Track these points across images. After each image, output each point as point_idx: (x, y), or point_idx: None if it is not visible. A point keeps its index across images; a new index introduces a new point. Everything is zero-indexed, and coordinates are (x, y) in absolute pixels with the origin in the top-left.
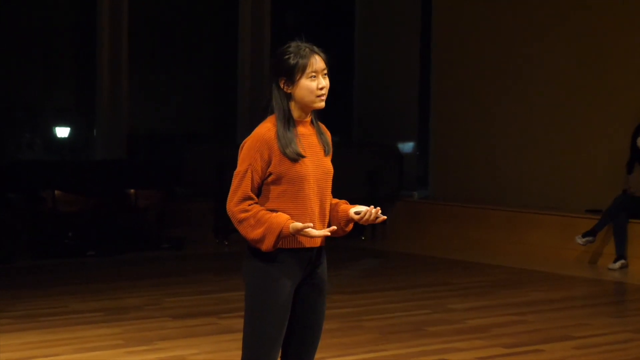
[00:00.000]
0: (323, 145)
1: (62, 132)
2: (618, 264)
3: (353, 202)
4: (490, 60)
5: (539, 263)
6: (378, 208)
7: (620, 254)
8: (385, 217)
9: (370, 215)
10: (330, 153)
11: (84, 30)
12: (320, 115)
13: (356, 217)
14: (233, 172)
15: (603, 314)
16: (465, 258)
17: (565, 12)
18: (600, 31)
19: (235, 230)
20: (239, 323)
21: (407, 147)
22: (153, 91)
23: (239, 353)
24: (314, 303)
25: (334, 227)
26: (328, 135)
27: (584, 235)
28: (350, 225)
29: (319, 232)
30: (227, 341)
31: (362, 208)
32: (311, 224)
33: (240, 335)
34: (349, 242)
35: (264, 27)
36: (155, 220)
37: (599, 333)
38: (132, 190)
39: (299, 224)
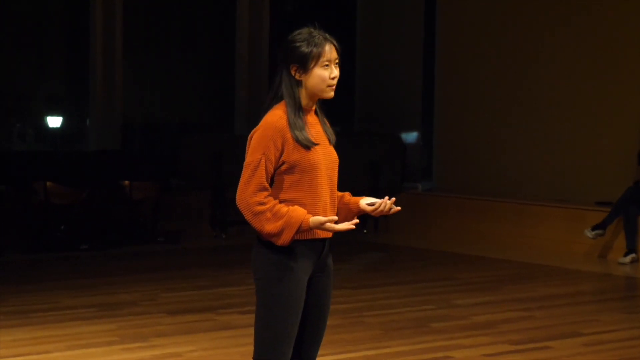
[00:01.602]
0: (327, 135)
1: (54, 121)
2: (628, 258)
3: (355, 194)
4: (496, 49)
5: (546, 257)
6: (393, 199)
7: (631, 248)
8: (400, 208)
9: (385, 206)
10: (334, 142)
11: (76, 15)
12: (322, 104)
13: (369, 208)
14: (231, 163)
15: (613, 310)
16: (470, 252)
17: (576, 3)
18: (609, 26)
19: (234, 223)
20: (238, 319)
21: (410, 137)
22: (148, 79)
23: (238, 350)
24: (323, 292)
25: (357, 221)
26: (328, 125)
27: (593, 229)
28: (356, 219)
29: (341, 226)
30: (225, 337)
31: (372, 200)
32: (335, 217)
33: (239, 332)
34: (351, 235)
35: (262, 13)
36: (150, 213)
37: (609, 329)
38: (126, 182)
39: (321, 218)
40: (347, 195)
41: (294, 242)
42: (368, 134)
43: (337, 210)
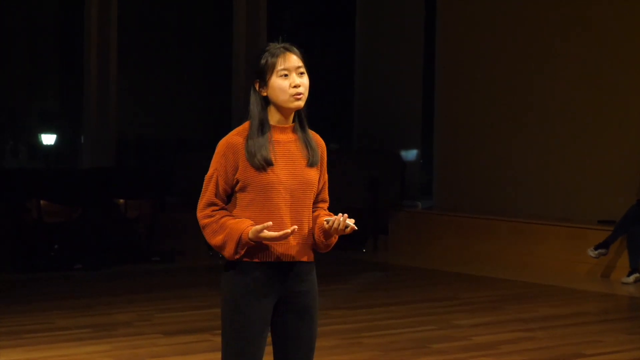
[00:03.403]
0: (307, 155)
1: (48, 138)
2: (632, 278)
3: (354, 211)
4: (497, 66)
5: (548, 277)
6: (346, 215)
7: (635, 267)
8: (356, 227)
9: (339, 224)
10: (318, 165)
11: (70, 31)
12: (320, 121)
13: (327, 225)
14: None
15: (616, 331)
16: (471, 271)
17: (575, 20)
18: (612, 43)
19: None
20: None
21: (410, 154)
22: (143, 95)
23: None
24: (296, 329)
25: (295, 227)
26: (320, 145)
27: (596, 248)
28: (334, 238)
29: (274, 234)
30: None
31: (331, 218)
32: (270, 223)
33: None
34: (349, 254)
35: (259, 29)
36: (145, 232)
37: (611, 350)
38: (121, 200)
39: (257, 227)
40: (322, 213)
41: (255, 264)
42: (367, 151)
43: (314, 230)
